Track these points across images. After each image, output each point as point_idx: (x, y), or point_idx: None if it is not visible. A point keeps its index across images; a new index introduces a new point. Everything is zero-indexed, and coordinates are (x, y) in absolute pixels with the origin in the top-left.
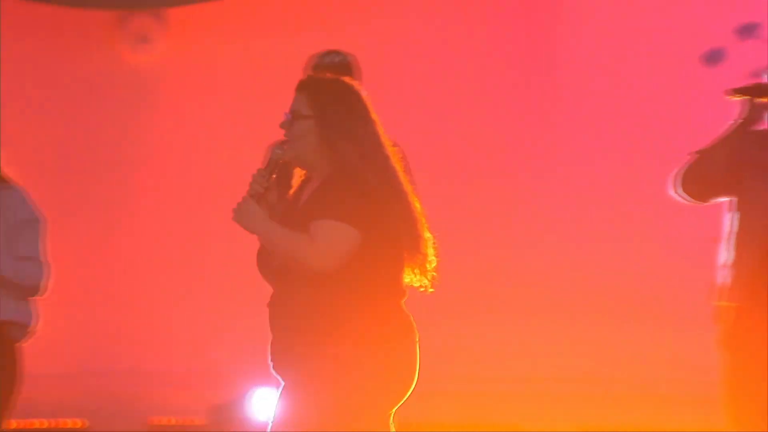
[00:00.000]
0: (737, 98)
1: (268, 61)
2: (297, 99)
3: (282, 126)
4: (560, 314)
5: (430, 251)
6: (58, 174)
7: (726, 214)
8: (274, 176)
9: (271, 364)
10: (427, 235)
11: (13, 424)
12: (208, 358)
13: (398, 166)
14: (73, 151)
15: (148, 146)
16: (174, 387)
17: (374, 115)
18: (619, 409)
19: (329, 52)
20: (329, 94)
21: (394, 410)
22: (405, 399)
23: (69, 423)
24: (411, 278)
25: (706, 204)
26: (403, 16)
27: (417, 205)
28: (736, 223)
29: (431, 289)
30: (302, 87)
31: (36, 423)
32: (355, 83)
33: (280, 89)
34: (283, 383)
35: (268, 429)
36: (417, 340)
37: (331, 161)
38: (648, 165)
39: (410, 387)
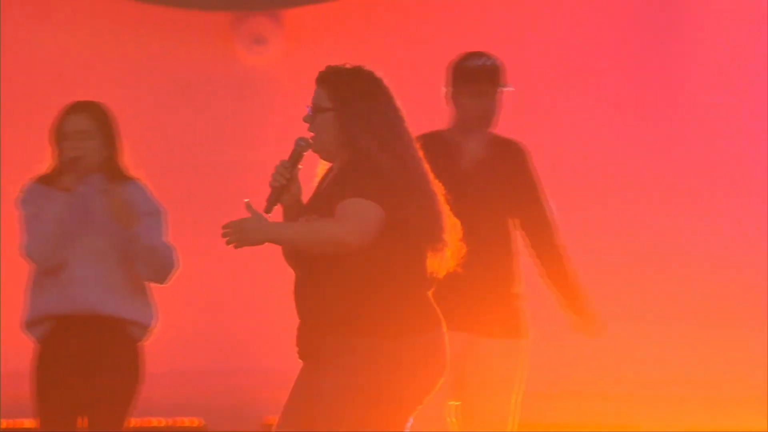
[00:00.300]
0: None
1: (383, 63)
2: (317, 92)
3: (304, 120)
4: (675, 316)
5: (453, 239)
6: (175, 173)
7: None
8: (298, 168)
9: (297, 349)
10: (450, 223)
11: (132, 422)
12: None
13: (419, 155)
14: (189, 151)
15: (262, 148)
16: (290, 386)
17: (396, 104)
18: (731, 409)
19: (475, 54)
20: (348, 86)
21: (420, 404)
22: (432, 392)
23: (186, 422)
24: (436, 267)
25: None
26: (519, 11)
27: (438, 194)
28: None
29: (441, 274)
30: (321, 79)
31: (154, 421)
32: (376, 72)
33: (395, 91)
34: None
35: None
36: (444, 331)
37: (351, 152)
38: None
39: (438, 380)
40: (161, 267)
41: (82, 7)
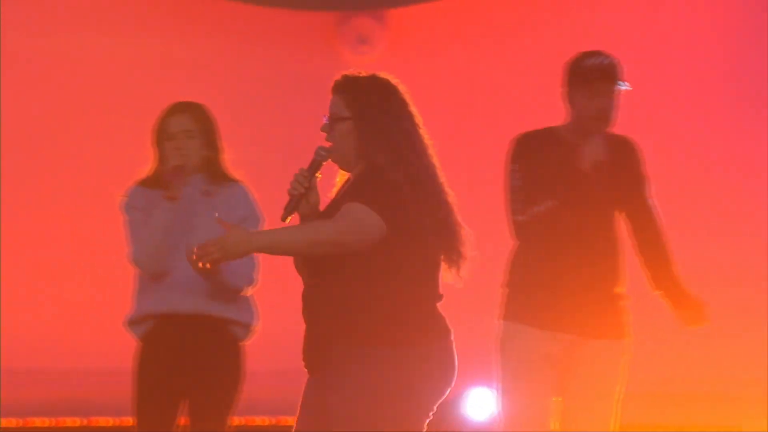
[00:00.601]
0: None
1: (486, 62)
2: (334, 101)
3: (322, 129)
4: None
5: (468, 249)
6: (280, 175)
7: None
8: (317, 177)
9: (302, 357)
10: (465, 233)
11: (236, 421)
12: None
13: (434, 164)
14: (294, 153)
15: None
16: None
17: (412, 110)
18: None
19: (592, 54)
20: (364, 94)
21: (429, 413)
22: (441, 401)
23: (291, 421)
24: (450, 278)
25: None
26: (630, 9)
27: (454, 204)
28: None
29: (458, 285)
30: (339, 88)
31: (257, 420)
32: (392, 79)
33: (499, 91)
34: (312, 378)
35: (295, 425)
36: (452, 342)
37: (368, 161)
38: None
39: (446, 390)
40: (237, 286)
41: (186, 10)
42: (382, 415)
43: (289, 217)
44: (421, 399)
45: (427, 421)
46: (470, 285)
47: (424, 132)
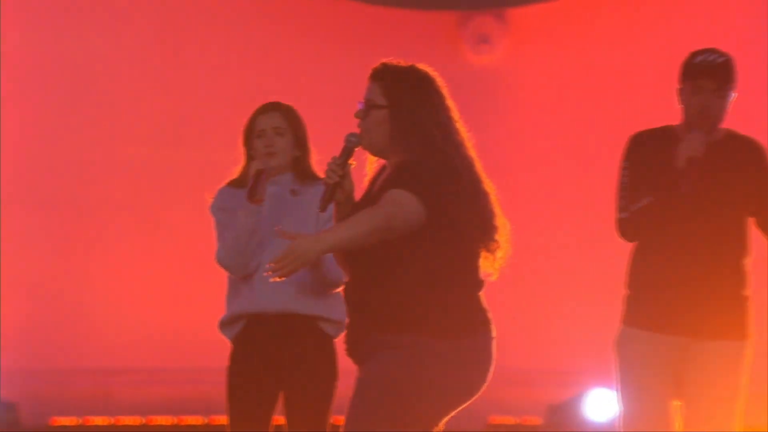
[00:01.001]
0: None
1: (608, 61)
2: (370, 88)
3: (356, 115)
4: None
5: (504, 239)
6: None
7: None
8: (350, 164)
9: (346, 350)
10: (501, 223)
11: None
12: (546, 358)
13: (471, 155)
14: None
15: (487, 147)
16: (513, 386)
17: (448, 103)
18: None
19: (702, 51)
20: (402, 84)
21: (458, 407)
22: (473, 396)
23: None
24: (488, 267)
25: None
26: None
27: (491, 194)
28: None
29: (494, 277)
30: (376, 76)
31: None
32: (431, 71)
33: (621, 89)
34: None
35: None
36: (493, 335)
37: (402, 150)
38: None
39: (481, 384)
40: (331, 283)
41: (309, 10)
42: (409, 399)
43: (328, 207)
44: (452, 390)
45: (453, 413)
46: (590, 285)
47: (461, 126)
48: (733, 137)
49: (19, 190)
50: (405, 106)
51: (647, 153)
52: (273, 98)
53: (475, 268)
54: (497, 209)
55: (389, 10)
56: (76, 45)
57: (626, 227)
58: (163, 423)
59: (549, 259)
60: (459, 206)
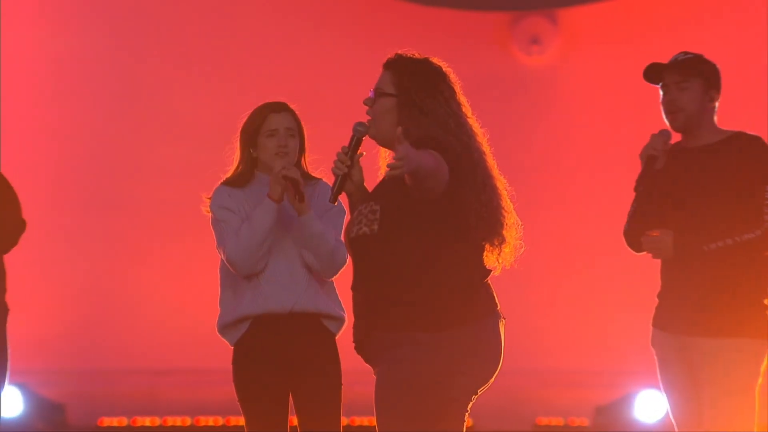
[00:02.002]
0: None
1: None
2: (382, 76)
3: (365, 103)
4: None
5: (512, 235)
6: None
7: None
8: (359, 154)
9: (354, 348)
10: (510, 219)
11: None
12: (594, 359)
13: (483, 149)
14: None
15: (536, 148)
16: (560, 387)
17: (461, 99)
18: None
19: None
20: (413, 74)
21: (472, 395)
22: (489, 382)
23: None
24: (492, 262)
25: None
26: None
27: (502, 189)
28: None
29: (497, 271)
30: (389, 65)
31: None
32: (445, 66)
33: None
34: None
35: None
36: (499, 321)
37: (410, 141)
38: None
39: (491, 370)
40: (328, 256)
41: (361, 10)
42: (422, 395)
43: (338, 198)
44: (459, 380)
45: (470, 404)
46: (638, 286)
47: (473, 122)
48: (736, 137)
49: (70, 192)
50: (412, 95)
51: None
52: (321, 100)
53: (477, 258)
54: (507, 205)
55: (441, 10)
56: (126, 44)
57: (625, 238)
58: (211, 424)
59: (598, 260)
60: (467, 197)
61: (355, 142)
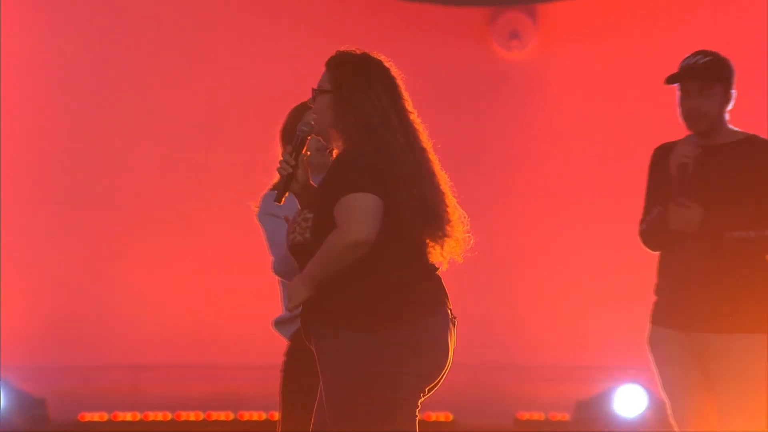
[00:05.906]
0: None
1: (637, 58)
2: (323, 74)
3: (308, 102)
4: None
5: (456, 229)
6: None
7: None
8: (305, 154)
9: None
10: (453, 214)
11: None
12: (574, 354)
13: (419, 144)
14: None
15: (516, 142)
16: (541, 382)
17: (401, 92)
18: None
19: (692, 54)
20: (349, 70)
21: (419, 393)
22: (438, 380)
23: (433, 416)
24: (436, 257)
25: None
26: None
27: (442, 184)
28: None
29: (444, 266)
30: (328, 63)
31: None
32: (385, 61)
33: (653, 86)
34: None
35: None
36: (447, 317)
37: (341, 134)
38: None
39: (436, 366)
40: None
41: (338, 6)
42: (367, 397)
43: (283, 198)
44: (402, 378)
45: (418, 399)
46: (618, 281)
47: (414, 116)
48: (751, 140)
49: (49, 188)
50: (346, 90)
51: (664, 164)
52: (303, 97)
53: (420, 255)
54: (449, 200)
55: (420, 6)
56: (105, 42)
57: (644, 238)
58: (192, 419)
59: (577, 255)
60: (397, 194)
61: (300, 142)
